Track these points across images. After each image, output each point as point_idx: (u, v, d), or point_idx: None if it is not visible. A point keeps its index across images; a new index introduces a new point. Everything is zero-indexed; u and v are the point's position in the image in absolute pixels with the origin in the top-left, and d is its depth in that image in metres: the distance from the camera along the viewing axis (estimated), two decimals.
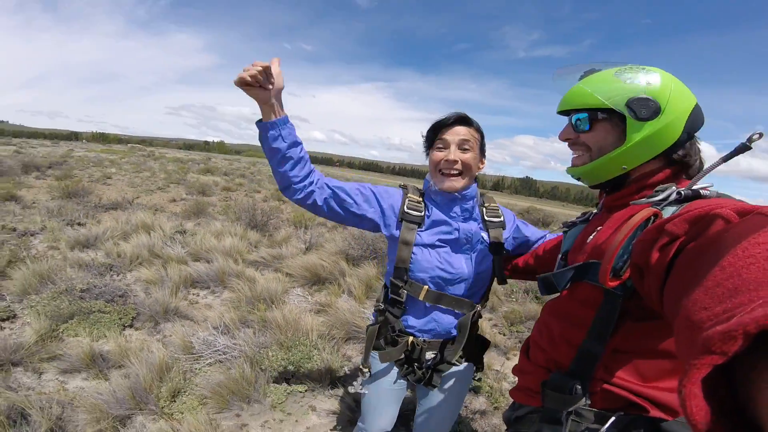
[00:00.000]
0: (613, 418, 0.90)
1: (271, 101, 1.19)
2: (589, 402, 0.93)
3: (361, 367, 1.50)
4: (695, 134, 0.95)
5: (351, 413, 2.50)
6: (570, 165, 1.07)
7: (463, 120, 1.36)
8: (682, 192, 0.81)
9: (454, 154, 1.32)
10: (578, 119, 0.98)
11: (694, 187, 0.81)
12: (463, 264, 1.38)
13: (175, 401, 2.39)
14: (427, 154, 1.42)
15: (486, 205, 1.47)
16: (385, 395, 1.51)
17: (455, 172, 1.34)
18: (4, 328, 3.05)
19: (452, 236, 1.37)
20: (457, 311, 1.40)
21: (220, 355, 2.81)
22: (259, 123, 1.23)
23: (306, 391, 2.64)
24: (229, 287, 4.12)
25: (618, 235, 0.76)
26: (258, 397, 2.46)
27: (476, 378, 1.62)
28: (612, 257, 0.76)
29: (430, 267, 1.35)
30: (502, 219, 1.45)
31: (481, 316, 1.50)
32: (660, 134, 0.90)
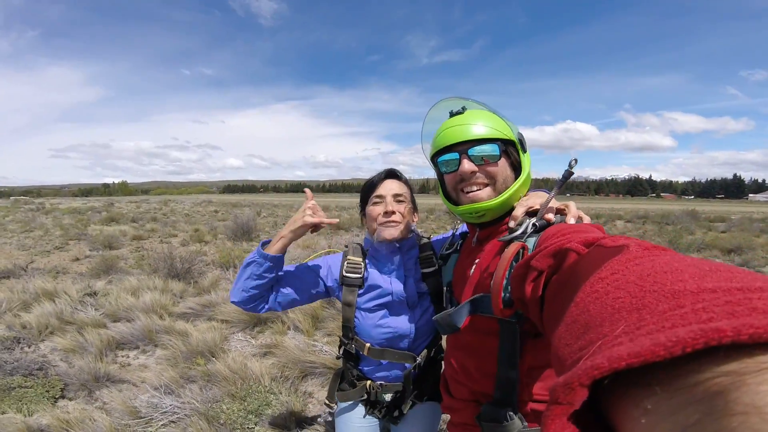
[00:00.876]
0: None
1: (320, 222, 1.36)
2: (526, 424, 0.94)
3: (326, 402, 1.62)
4: None
5: None
6: (469, 201, 1.04)
7: (392, 174, 1.46)
8: (537, 224, 0.88)
9: (390, 205, 1.39)
10: (487, 151, 1.00)
11: (546, 216, 0.89)
12: (400, 323, 1.42)
13: None
14: (364, 214, 1.49)
15: (421, 255, 1.47)
16: (355, 430, 1.57)
17: (393, 223, 1.39)
18: None
19: (387, 299, 1.42)
20: (403, 363, 1.45)
21: (170, 416, 2.64)
22: (263, 248, 1.34)
23: None
24: (161, 344, 3.86)
25: (498, 271, 0.79)
26: None
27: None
28: (499, 291, 0.78)
29: (370, 329, 1.43)
30: (436, 267, 1.44)
31: (436, 358, 1.54)
32: (527, 167, 1.04)
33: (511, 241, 0.87)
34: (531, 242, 0.85)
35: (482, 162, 1.01)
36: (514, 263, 0.79)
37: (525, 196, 1.03)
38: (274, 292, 1.41)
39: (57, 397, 2.96)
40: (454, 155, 1.03)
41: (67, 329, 4.18)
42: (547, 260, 0.64)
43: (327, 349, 3.56)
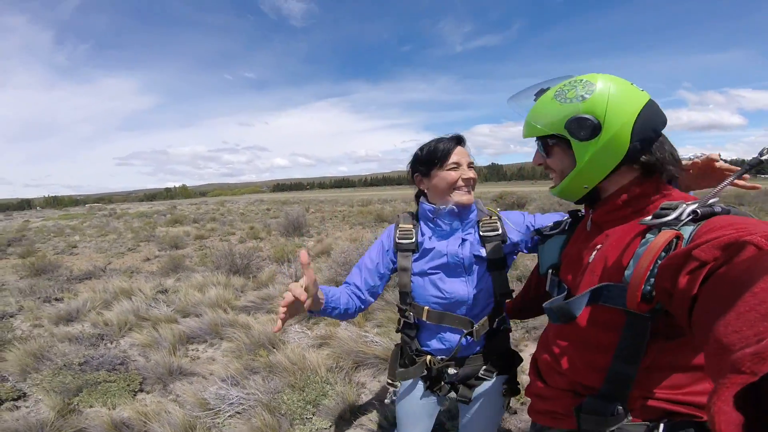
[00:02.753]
0: (662, 426, 0.87)
1: (310, 301, 1.17)
2: (630, 418, 0.90)
3: (388, 382, 1.61)
4: (661, 132, 0.93)
5: None
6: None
7: (462, 140, 1.46)
8: (699, 210, 0.78)
9: (469, 172, 1.42)
10: (539, 146, 1.04)
11: (709, 202, 0.80)
12: (457, 288, 1.42)
13: None
14: (427, 176, 1.45)
15: (482, 219, 1.47)
16: (414, 410, 1.59)
17: (467, 188, 1.42)
18: (20, 407, 3.11)
19: (442, 261, 1.42)
20: (463, 329, 1.42)
21: (236, 407, 2.82)
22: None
23: (330, 426, 2.70)
24: (226, 337, 4.11)
25: (643, 261, 0.75)
26: None
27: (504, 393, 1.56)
28: (641, 282, 0.74)
29: (426, 293, 1.44)
30: (499, 232, 1.44)
31: (505, 329, 1.52)
32: (607, 149, 0.89)
33: (656, 226, 0.81)
34: (686, 231, 0.77)
35: (543, 155, 1.03)
36: (663, 254, 0.74)
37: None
38: (356, 296, 1.48)
39: (136, 390, 3.23)
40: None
41: (143, 325, 4.55)
42: (715, 252, 0.62)
43: (378, 340, 3.63)
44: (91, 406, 3.04)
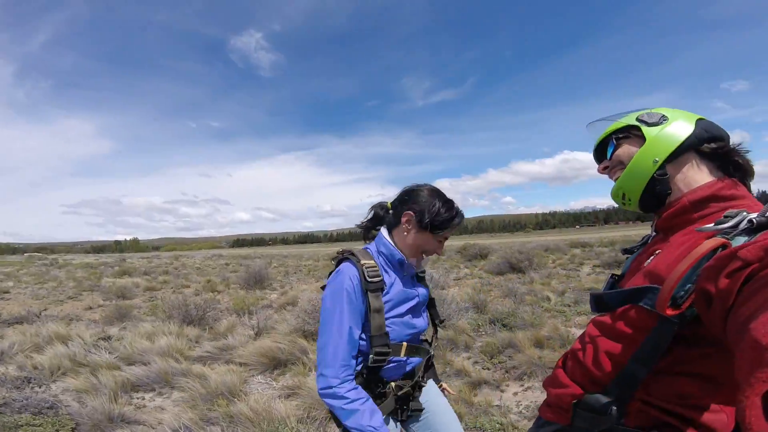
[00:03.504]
0: None
1: None
2: (622, 420, 0.92)
3: None
4: (721, 139, 1.00)
5: None
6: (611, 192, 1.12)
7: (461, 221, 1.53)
8: (755, 219, 0.76)
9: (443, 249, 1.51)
10: (609, 147, 1.10)
11: None
12: (421, 322, 1.52)
13: None
14: (421, 229, 1.42)
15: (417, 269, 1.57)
16: None
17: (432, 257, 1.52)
18: None
19: (414, 302, 1.47)
20: (421, 356, 1.53)
21: None
22: None
23: None
24: (178, 387, 3.63)
25: (681, 264, 0.75)
26: None
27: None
28: (673, 286, 0.75)
29: (402, 332, 1.43)
30: (424, 274, 1.65)
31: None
32: (675, 128, 0.99)
33: (714, 234, 0.80)
34: (738, 242, 0.75)
35: (610, 154, 1.10)
36: (703, 261, 0.74)
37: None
38: (355, 362, 1.36)
39: None
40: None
41: (80, 371, 3.98)
42: (760, 253, 0.61)
43: None
44: None
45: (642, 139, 1.02)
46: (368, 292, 1.34)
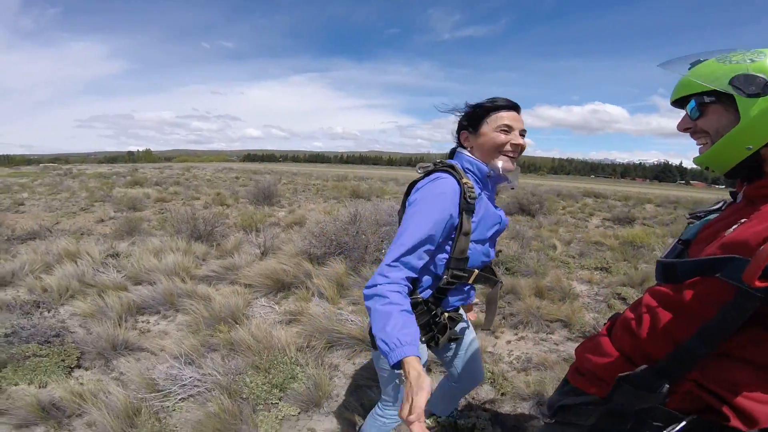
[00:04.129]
0: (684, 423, 0.87)
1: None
2: (667, 400, 0.88)
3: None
4: None
5: (354, 429, 2.27)
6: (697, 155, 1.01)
7: (518, 108, 1.39)
8: None
9: (520, 139, 1.37)
10: (690, 107, 0.95)
11: None
12: (493, 250, 1.47)
13: None
14: (475, 132, 1.38)
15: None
16: None
17: (514, 155, 1.38)
18: None
19: (497, 228, 1.44)
20: (489, 285, 1.53)
21: (190, 389, 2.44)
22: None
23: (299, 413, 2.37)
24: (182, 309, 3.67)
25: None
26: (249, 430, 2.16)
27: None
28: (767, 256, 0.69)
29: (479, 257, 1.39)
30: None
31: None
32: None
33: None
34: None
35: (693, 117, 0.95)
36: None
37: None
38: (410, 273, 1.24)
39: (72, 366, 2.78)
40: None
41: (88, 292, 4.04)
42: None
43: (353, 319, 3.28)
44: (15, 384, 2.58)
45: (734, 111, 0.86)
46: (463, 213, 1.29)
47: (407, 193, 1.38)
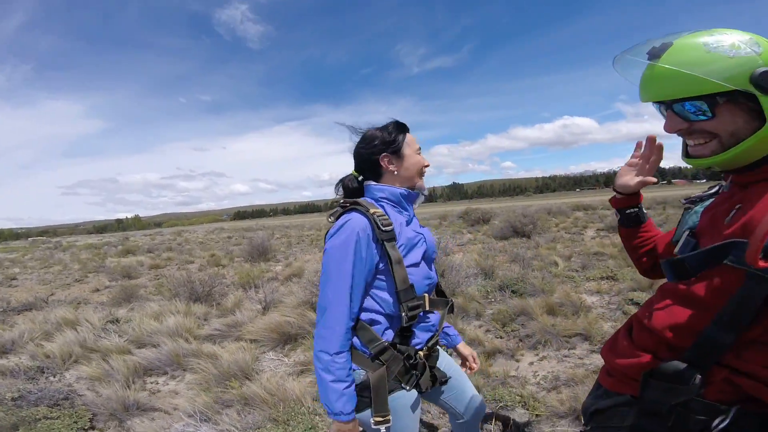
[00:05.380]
0: (732, 413, 0.82)
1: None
2: (702, 390, 0.84)
3: (376, 420, 1.28)
4: None
5: None
6: (685, 155, 0.95)
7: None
8: None
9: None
10: (692, 109, 0.86)
11: None
12: (433, 271, 1.45)
13: None
14: (400, 157, 1.38)
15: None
16: (415, 423, 1.42)
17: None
18: None
19: (424, 248, 1.39)
20: (441, 308, 1.45)
21: None
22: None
23: None
24: (190, 369, 3.64)
25: None
26: None
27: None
28: (764, 236, 0.69)
29: (422, 283, 1.35)
30: None
31: None
32: None
33: None
34: None
35: (692, 118, 0.87)
36: None
37: None
38: (352, 323, 1.28)
39: (86, 428, 2.75)
40: (657, 106, 0.93)
41: (92, 357, 3.99)
42: None
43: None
44: None
45: (747, 109, 0.81)
46: (384, 243, 1.25)
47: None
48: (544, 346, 3.55)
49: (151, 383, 3.55)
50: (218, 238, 24.84)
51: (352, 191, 1.44)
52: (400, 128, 1.40)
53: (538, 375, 3.13)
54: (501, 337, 3.90)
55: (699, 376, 0.83)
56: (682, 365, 0.85)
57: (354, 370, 1.30)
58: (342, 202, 1.35)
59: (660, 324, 0.92)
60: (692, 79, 0.80)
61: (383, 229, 1.23)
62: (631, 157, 1.19)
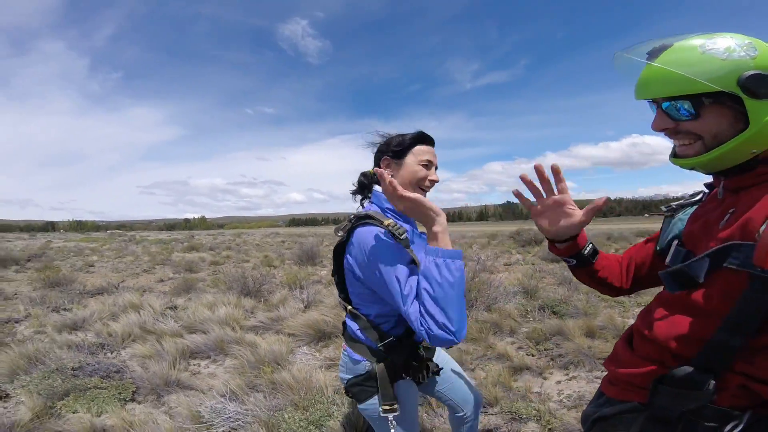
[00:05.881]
0: (746, 419, 0.81)
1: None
2: (715, 397, 0.82)
3: (385, 408, 1.36)
4: None
5: None
6: (673, 155, 0.94)
7: (433, 142, 1.45)
8: None
9: (437, 175, 1.42)
10: (677, 107, 0.86)
11: None
12: None
13: None
14: (399, 161, 1.39)
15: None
16: (415, 410, 1.50)
17: (428, 190, 1.42)
18: None
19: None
20: None
21: (231, 422, 2.60)
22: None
23: None
24: (231, 354, 3.91)
25: None
26: None
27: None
28: None
29: None
30: None
31: None
32: None
33: None
34: None
35: (678, 118, 0.87)
36: None
37: None
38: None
39: (128, 399, 3.03)
40: (651, 104, 0.93)
41: (148, 338, 4.39)
42: None
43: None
44: (74, 412, 2.84)
45: (734, 112, 0.81)
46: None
47: (335, 257, 1.39)
48: (576, 367, 3.42)
49: (194, 365, 3.85)
50: (273, 242, 25.94)
51: (360, 184, 1.51)
52: (416, 137, 1.39)
53: (563, 393, 3.04)
54: (532, 355, 3.80)
55: (713, 382, 0.82)
56: (695, 371, 0.84)
57: (359, 362, 1.39)
58: (352, 217, 1.32)
59: (662, 335, 0.91)
60: (680, 78, 0.81)
61: (401, 237, 1.19)
62: (539, 206, 1.13)
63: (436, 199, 1.43)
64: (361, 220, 1.28)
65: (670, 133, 0.91)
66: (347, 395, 1.48)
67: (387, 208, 1.39)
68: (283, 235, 41.87)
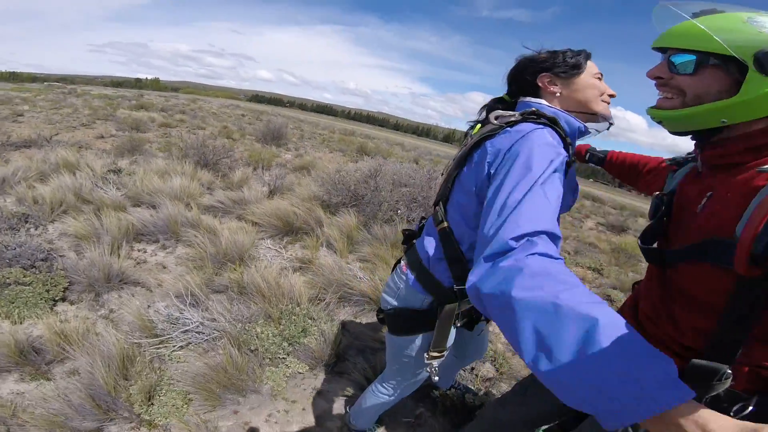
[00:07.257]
0: (755, 401, 0.81)
1: None
2: (733, 383, 0.80)
3: (433, 354, 1.25)
4: None
5: (359, 393, 2.03)
6: (653, 105, 0.93)
7: None
8: None
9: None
10: (681, 60, 0.85)
11: None
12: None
13: (152, 403, 1.78)
14: (569, 79, 1.12)
15: None
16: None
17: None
18: None
19: (574, 197, 1.23)
20: None
21: (192, 335, 2.15)
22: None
23: (306, 371, 2.11)
24: (185, 240, 3.36)
25: (756, 215, 0.67)
26: (254, 386, 1.92)
27: None
28: (750, 241, 0.67)
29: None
30: None
31: None
32: None
33: None
34: None
35: (675, 71, 0.86)
36: None
37: None
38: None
39: (57, 299, 2.46)
40: (661, 57, 0.91)
41: (84, 209, 3.72)
42: None
43: (362, 276, 2.97)
44: None
45: (732, 80, 0.79)
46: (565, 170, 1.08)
47: (470, 152, 1.07)
48: None
49: (138, 251, 3.27)
50: (232, 114, 24.08)
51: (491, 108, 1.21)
52: (587, 53, 1.16)
53: (500, 337, 2.91)
54: None
55: (728, 371, 0.78)
56: (712, 362, 0.80)
57: (419, 294, 1.22)
58: (528, 111, 1.04)
59: (669, 329, 0.93)
60: (700, 33, 0.80)
61: (568, 162, 0.99)
62: None
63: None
64: (541, 119, 1.00)
65: (661, 83, 0.91)
66: (378, 319, 1.35)
67: (577, 125, 1.14)
68: (243, 108, 39.30)
